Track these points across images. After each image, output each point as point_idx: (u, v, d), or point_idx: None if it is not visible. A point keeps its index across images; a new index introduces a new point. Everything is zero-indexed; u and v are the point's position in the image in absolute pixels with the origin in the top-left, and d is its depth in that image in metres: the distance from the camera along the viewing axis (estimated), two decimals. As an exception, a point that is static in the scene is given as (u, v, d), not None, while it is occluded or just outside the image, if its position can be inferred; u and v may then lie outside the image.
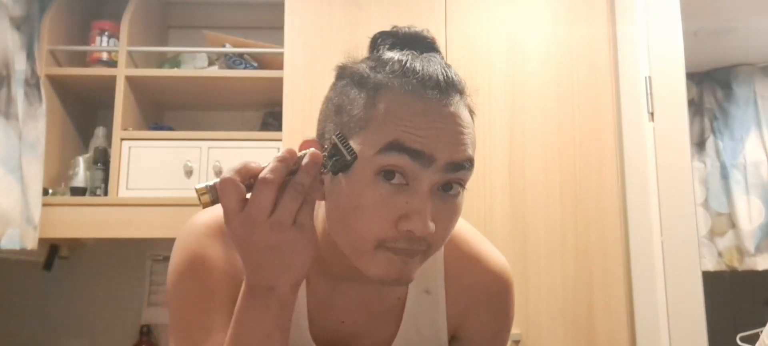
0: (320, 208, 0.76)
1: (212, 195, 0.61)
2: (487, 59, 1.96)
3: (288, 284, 0.64)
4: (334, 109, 0.70)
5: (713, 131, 3.24)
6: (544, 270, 1.84)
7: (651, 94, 1.93)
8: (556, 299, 1.83)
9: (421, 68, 0.68)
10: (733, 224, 3.14)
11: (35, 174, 1.89)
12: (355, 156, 0.64)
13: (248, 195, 0.61)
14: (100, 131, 2.15)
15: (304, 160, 0.62)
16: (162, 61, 2.31)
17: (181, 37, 2.47)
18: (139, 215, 1.95)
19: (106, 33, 2.18)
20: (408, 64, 0.68)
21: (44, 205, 1.92)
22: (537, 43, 1.97)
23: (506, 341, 0.88)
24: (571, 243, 1.85)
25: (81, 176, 2.03)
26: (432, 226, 0.65)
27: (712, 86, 3.28)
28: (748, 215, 3.10)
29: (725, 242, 3.14)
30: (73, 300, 2.30)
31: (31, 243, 1.86)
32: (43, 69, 2.01)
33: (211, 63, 2.23)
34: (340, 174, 0.66)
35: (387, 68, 0.69)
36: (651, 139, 1.92)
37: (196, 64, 2.23)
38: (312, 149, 0.63)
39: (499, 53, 1.97)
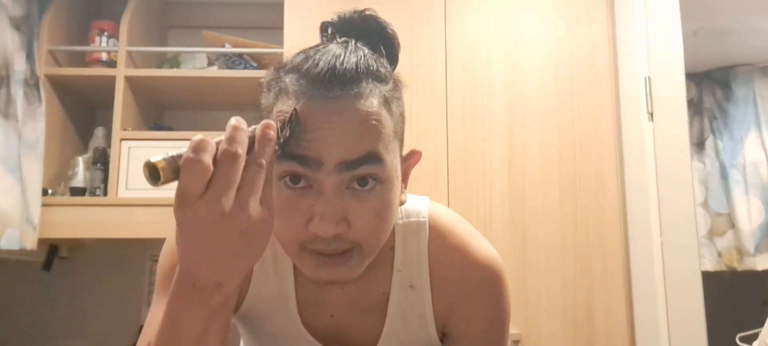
0: None
1: (172, 170, 0.53)
2: (487, 60, 1.96)
3: (238, 279, 0.59)
4: (263, 116, 0.70)
5: (713, 131, 3.24)
6: (544, 270, 1.84)
7: (650, 94, 1.93)
8: (556, 299, 1.83)
9: (311, 66, 0.65)
10: (732, 224, 3.14)
11: (35, 174, 1.89)
12: (290, 125, 0.63)
13: None
14: (99, 131, 2.15)
15: (257, 133, 0.57)
16: (161, 61, 2.31)
17: (181, 37, 2.47)
18: (139, 215, 1.95)
19: (106, 33, 2.18)
20: (302, 64, 0.67)
21: (44, 205, 1.92)
22: (537, 44, 1.97)
23: (502, 338, 0.83)
24: (571, 243, 1.85)
25: (80, 176, 2.03)
26: (337, 227, 0.64)
27: (711, 86, 3.28)
28: (748, 215, 3.10)
29: (725, 242, 3.14)
30: (72, 300, 2.30)
31: (31, 243, 1.86)
32: (43, 69, 2.01)
33: (210, 63, 2.23)
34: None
35: (287, 70, 0.68)
36: (650, 140, 1.92)
37: (196, 64, 2.23)
38: (263, 122, 0.58)
39: (498, 54, 1.97)
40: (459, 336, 0.82)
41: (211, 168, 0.53)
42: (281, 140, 0.62)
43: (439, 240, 0.80)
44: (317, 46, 0.70)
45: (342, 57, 0.66)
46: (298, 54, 0.70)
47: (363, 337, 0.82)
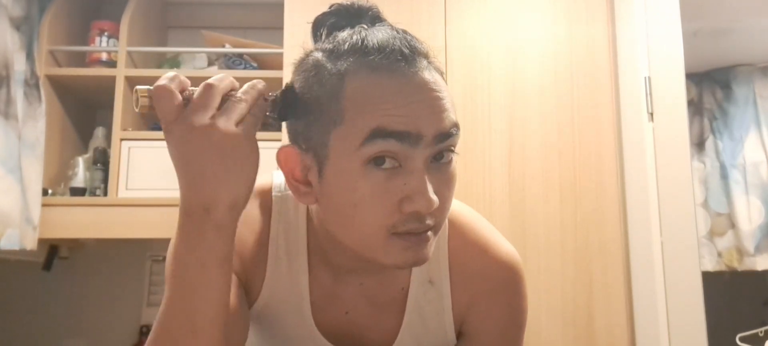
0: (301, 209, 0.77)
1: (151, 99, 0.60)
2: (487, 60, 1.96)
3: (226, 203, 0.59)
4: (302, 109, 0.66)
5: (713, 131, 3.24)
6: (544, 270, 1.84)
7: (650, 94, 1.93)
8: (555, 299, 1.82)
9: (378, 42, 0.64)
10: (732, 224, 3.14)
11: (35, 174, 1.89)
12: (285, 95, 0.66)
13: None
14: (99, 131, 2.15)
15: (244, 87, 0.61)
16: (161, 61, 2.31)
17: (181, 37, 2.47)
18: (139, 215, 1.95)
19: (106, 33, 2.18)
20: (364, 42, 0.64)
21: (44, 205, 1.92)
22: (537, 44, 1.97)
23: (519, 338, 0.81)
24: (571, 243, 1.85)
25: (80, 176, 2.03)
26: (436, 199, 0.62)
27: (711, 86, 3.28)
28: (748, 215, 3.10)
29: (725, 242, 3.14)
30: (72, 300, 2.30)
31: (31, 243, 1.86)
32: (43, 69, 2.01)
33: (210, 63, 2.23)
34: (328, 174, 0.65)
35: (343, 52, 0.65)
36: (650, 140, 1.92)
37: (196, 64, 2.23)
38: (254, 81, 0.63)
39: (498, 54, 1.97)
40: (475, 335, 0.81)
41: (178, 94, 0.59)
42: (277, 108, 0.64)
43: (458, 236, 0.79)
44: (358, 30, 0.67)
45: (402, 33, 0.66)
46: (332, 45, 0.67)
47: (379, 336, 0.80)
